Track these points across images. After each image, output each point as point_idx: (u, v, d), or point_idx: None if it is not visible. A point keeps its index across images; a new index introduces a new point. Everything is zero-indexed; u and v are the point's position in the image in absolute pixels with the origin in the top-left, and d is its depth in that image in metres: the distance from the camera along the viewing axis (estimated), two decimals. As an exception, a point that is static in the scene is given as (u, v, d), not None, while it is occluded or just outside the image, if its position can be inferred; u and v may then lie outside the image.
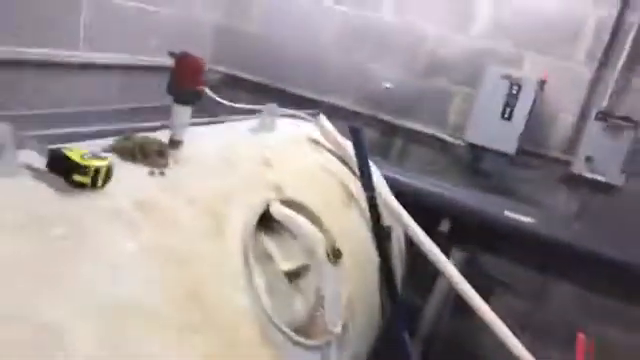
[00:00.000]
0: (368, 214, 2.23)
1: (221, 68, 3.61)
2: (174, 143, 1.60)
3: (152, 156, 1.47)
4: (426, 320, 3.13)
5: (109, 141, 1.48)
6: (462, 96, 3.24)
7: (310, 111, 2.83)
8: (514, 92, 2.95)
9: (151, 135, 1.57)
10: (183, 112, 1.63)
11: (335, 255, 1.62)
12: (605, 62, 2.92)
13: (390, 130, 3.36)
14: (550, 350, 2.83)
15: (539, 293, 3.23)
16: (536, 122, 3.03)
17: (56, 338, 0.85)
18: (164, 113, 1.83)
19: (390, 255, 2.29)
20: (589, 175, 2.91)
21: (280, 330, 1.34)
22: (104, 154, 1.25)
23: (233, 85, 3.48)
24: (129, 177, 1.31)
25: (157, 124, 1.88)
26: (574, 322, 3.13)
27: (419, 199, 2.81)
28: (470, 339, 3.41)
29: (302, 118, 2.65)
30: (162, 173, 1.41)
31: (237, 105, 2.50)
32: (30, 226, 0.98)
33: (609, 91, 2.90)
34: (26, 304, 0.86)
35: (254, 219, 1.48)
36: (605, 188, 2.93)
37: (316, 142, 2.46)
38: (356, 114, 3.33)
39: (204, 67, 1.62)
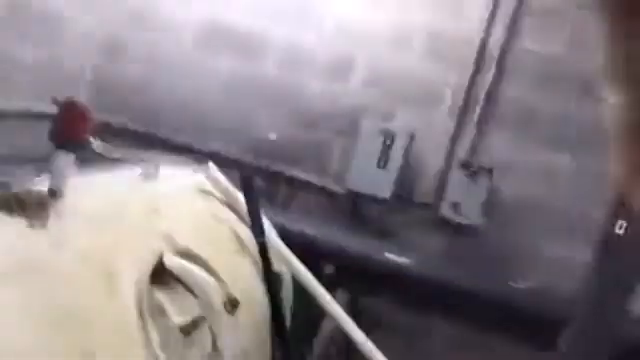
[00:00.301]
0: (259, 261, 2.24)
1: (99, 115, 3.44)
2: (54, 193, 1.50)
3: (31, 208, 1.36)
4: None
5: (-22, 193, 1.35)
6: (341, 146, 3.45)
7: (196, 160, 2.82)
8: (388, 143, 3.22)
9: (27, 185, 1.46)
10: (65, 161, 1.54)
11: (232, 305, 1.61)
12: (463, 118, 3.32)
13: (275, 178, 3.44)
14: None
15: (417, 331, 3.43)
16: (408, 170, 3.32)
17: None
18: (38, 162, 1.71)
19: (282, 302, 2.31)
20: (455, 218, 3.22)
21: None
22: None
23: (113, 133, 3.33)
24: (6, 232, 1.21)
25: (32, 173, 1.75)
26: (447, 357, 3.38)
27: (304, 245, 2.87)
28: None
29: (188, 167, 2.63)
30: (44, 226, 1.32)
31: (119, 156, 2.42)
32: None
33: (468, 143, 3.29)
34: None
35: (147, 273, 1.42)
36: (468, 229, 3.27)
37: (204, 190, 2.45)
38: (242, 163, 3.35)
39: (90, 115, 1.56)
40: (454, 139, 3.34)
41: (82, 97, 3.38)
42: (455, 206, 3.21)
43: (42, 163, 1.72)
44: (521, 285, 3.13)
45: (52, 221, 1.35)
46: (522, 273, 3.27)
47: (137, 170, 2.31)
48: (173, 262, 1.56)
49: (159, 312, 1.47)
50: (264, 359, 2.09)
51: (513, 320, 3.24)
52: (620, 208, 1.67)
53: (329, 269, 3.04)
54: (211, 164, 2.57)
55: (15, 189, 1.38)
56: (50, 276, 1.16)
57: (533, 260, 3.33)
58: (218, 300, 1.60)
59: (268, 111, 3.52)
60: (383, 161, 3.22)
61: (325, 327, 3.20)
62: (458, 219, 3.23)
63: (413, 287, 3.28)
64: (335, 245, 3.19)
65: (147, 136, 3.36)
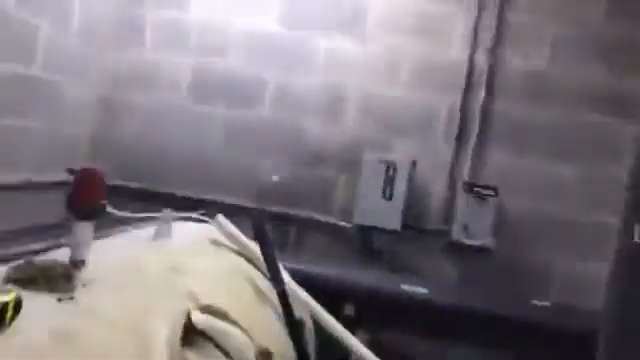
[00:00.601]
0: (279, 308, 2.21)
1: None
2: (77, 263, 1.49)
3: (57, 281, 1.35)
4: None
5: (1, 269, 1.34)
6: (345, 182, 3.47)
7: (204, 212, 2.82)
8: (390, 174, 3.24)
9: (48, 257, 1.45)
10: (85, 229, 1.53)
11: (265, 357, 1.58)
12: (461, 140, 3.37)
13: (282, 221, 3.43)
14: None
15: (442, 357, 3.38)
16: (414, 199, 3.33)
17: None
18: (52, 231, 1.70)
19: (306, 347, 2.27)
20: (466, 241, 3.22)
21: None
22: (5, 286, 1.14)
23: (118, 195, 3.32)
24: (37, 308, 1.19)
25: (48, 244, 1.74)
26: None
27: (320, 286, 2.83)
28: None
29: (199, 220, 2.62)
30: (72, 298, 1.30)
31: (133, 215, 2.41)
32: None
33: (469, 164, 3.33)
34: None
35: (178, 333, 1.40)
36: (480, 251, 3.26)
37: (217, 243, 2.43)
38: (250, 209, 3.35)
39: (104, 180, 1.57)
40: (455, 162, 3.38)
41: (82, 162, 3.39)
42: (465, 229, 3.21)
43: (57, 232, 1.72)
44: (543, 302, 3.09)
45: (79, 292, 1.33)
46: (539, 290, 3.25)
47: (149, 230, 2.32)
48: (201, 320, 1.53)
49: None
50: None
51: (538, 338, 3.20)
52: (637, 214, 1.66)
53: (349, 309, 3.00)
54: (220, 216, 2.57)
55: (39, 263, 1.36)
56: (85, 347, 1.14)
57: (549, 276, 3.31)
58: (251, 354, 1.57)
59: (268, 154, 3.54)
60: (388, 192, 3.23)
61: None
62: (469, 242, 3.22)
63: (432, 316, 3.24)
64: (351, 283, 3.16)
65: (152, 194, 3.36)
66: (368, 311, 3.13)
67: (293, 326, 2.19)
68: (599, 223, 3.19)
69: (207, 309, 1.63)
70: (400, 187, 3.23)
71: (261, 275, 2.36)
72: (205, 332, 1.56)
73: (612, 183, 3.18)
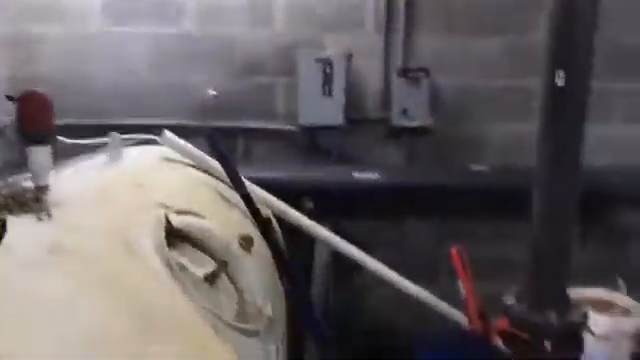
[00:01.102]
0: (246, 211, 2.30)
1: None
2: (41, 188, 1.49)
3: (29, 204, 1.36)
4: (316, 293, 3.32)
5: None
6: (284, 86, 3.48)
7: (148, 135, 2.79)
8: (328, 71, 3.28)
9: (16, 186, 1.44)
10: (43, 153, 1.52)
11: (248, 243, 1.68)
12: (389, 28, 3.43)
13: (227, 134, 3.44)
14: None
15: (399, 238, 3.66)
16: (353, 92, 3.42)
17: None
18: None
19: (279, 244, 2.40)
20: (406, 124, 3.38)
21: (226, 323, 1.37)
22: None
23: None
24: (21, 227, 1.21)
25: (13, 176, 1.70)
26: (435, 252, 3.64)
27: (277, 189, 2.93)
28: (357, 298, 3.72)
29: (147, 142, 2.60)
30: (49, 216, 1.32)
31: (81, 141, 2.36)
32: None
33: (400, 50, 3.42)
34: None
35: (161, 234, 1.47)
36: (421, 131, 3.45)
37: (172, 160, 2.45)
38: (190, 128, 3.32)
39: (52, 103, 1.53)
40: (387, 50, 3.45)
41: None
42: (403, 112, 3.35)
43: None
44: (480, 167, 3.37)
45: (54, 212, 1.35)
46: (477, 157, 3.52)
47: (100, 157, 2.29)
48: (181, 220, 1.60)
49: (181, 269, 1.53)
50: (279, 294, 2.19)
51: (480, 199, 3.52)
52: (558, 57, 1.78)
53: (308, 204, 3.15)
54: (167, 132, 2.56)
55: (5, 191, 1.36)
56: (81, 257, 1.19)
57: (484, 143, 3.58)
58: (234, 243, 1.67)
59: (201, 70, 3.46)
60: (328, 89, 3.28)
61: (318, 260, 3.36)
62: (409, 124, 3.38)
63: (385, 198, 3.47)
64: (305, 181, 3.29)
65: (87, 127, 3.22)
66: (325, 204, 3.30)
67: (263, 227, 2.30)
68: (524, 87, 3.44)
69: (182, 212, 1.70)
70: (339, 82, 3.29)
71: (221, 184, 2.43)
72: (185, 232, 1.64)
73: (532, 49, 3.40)
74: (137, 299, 1.15)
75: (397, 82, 3.37)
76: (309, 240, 3.31)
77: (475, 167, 3.38)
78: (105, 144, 2.26)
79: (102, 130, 2.93)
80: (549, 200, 1.93)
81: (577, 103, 1.76)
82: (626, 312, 3.05)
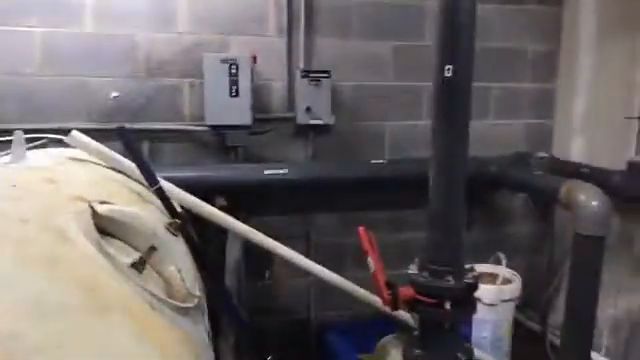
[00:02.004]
0: (160, 207, 2.32)
1: None
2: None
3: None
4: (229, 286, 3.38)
5: None
6: (190, 87, 3.51)
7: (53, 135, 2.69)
8: (234, 72, 3.37)
9: None
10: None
11: (175, 228, 1.73)
12: (290, 32, 3.61)
13: (135, 136, 3.38)
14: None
15: (307, 230, 3.84)
16: (259, 92, 3.54)
17: None
18: None
19: (195, 238, 2.44)
20: (310, 122, 3.57)
21: (161, 301, 1.43)
22: None
23: None
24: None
25: None
26: (341, 242, 3.87)
27: (189, 188, 2.96)
28: (269, 292, 3.84)
29: (53, 142, 2.50)
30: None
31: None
32: None
33: (302, 53, 3.60)
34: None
35: (90, 220, 1.48)
36: (324, 128, 3.66)
37: (79, 159, 2.40)
38: (93, 131, 3.23)
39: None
40: (290, 52, 3.61)
41: None
42: (307, 111, 3.54)
43: None
44: (379, 160, 3.65)
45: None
46: (376, 151, 3.81)
47: (2, 157, 2.19)
48: (107, 209, 1.62)
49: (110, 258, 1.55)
50: (198, 281, 2.24)
51: (381, 188, 3.81)
52: (447, 54, 2.06)
53: (220, 201, 3.20)
54: (75, 132, 2.50)
55: None
56: (14, 239, 1.19)
57: (381, 138, 3.88)
58: (161, 228, 1.71)
59: (101, 71, 3.38)
60: (234, 90, 3.37)
61: (230, 255, 3.42)
62: (313, 122, 3.58)
63: (295, 192, 3.63)
64: (216, 180, 3.35)
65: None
66: (237, 201, 3.38)
67: (176, 216, 2.33)
68: (414, 87, 3.81)
69: (103, 203, 1.71)
70: (244, 83, 3.39)
71: (133, 182, 2.42)
72: (109, 222, 1.66)
73: (418, 52, 3.78)
74: (76, 275, 1.17)
75: (300, 83, 3.55)
76: (220, 237, 3.38)
77: (374, 161, 3.65)
78: (5, 143, 2.17)
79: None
80: (443, 175, 2.16)
81: (463, 90, 2.03)
82: (507, 281, 3.48)
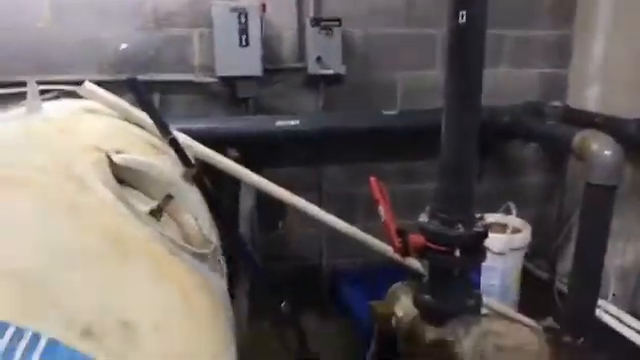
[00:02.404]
0: (174, 157, 2.35)
1: None
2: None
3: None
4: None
5: None
6: (199, 37, 3.47)
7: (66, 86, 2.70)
8: (243, 21, 3.31)
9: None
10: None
11: (190, 177, 1.76)
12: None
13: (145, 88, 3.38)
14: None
15: (318, 181, 3.87)
16: (269, 42, 3.49)
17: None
18: None
19: (209, 187, 2.48)
20: (321, 72, 3.53)
21: (179, 247, 1.48)
22: None
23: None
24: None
25: None
26: (352, 193, 3.91)
27: (201, 140, 2.97)
28: (281, 241, 3.92)
29: (65, 90, 2.52)
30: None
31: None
32: None
33: (312, 1, 3.52)
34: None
35: (107, 169, 1.51)
36: (335, 78, 3.63)
37: (94, 110, 2.42)
38: (105, 82, 3.23)
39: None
40: (299, 0, 3.53)
41: None
42: (318, 61, 3.49)
43: None
44: (391, 111, 3.63)
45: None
46: (387, 102, 3.78)
47: (17, 110, 2.21)
48: (122, 158, 1.65)
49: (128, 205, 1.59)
50: (213, 228, 2.30)
51: (393, 142, 3.81)
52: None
53: (232, 153, 3.23)
54: (87, 83, 2.51)
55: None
56: (37, 186, 1.22)
57: (393, 88, 3.84)
58: (177, 176, 1.75)
59: (109, 24, 3.34)
60: (244, 40, 3.33)
61: (243, 206, 3.48)
62: (323, 72, 3.54)
63: (306, 144, 3.65)
64: (228, 131, 3.36)
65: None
66: (249, 153, 3.41)
67: (191, 167, 2.36)
68: (427, 35, 3.73)
69: (118, 152, 1.74)
70: (254, 33, 3.33)
71: (146, 133, 2.44)
72: (125, 171, 1.69)
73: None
74: (97, 222, 1.22)
75: (311, 32, 3.48)
76: (234, 187, 3.43)
77: (386, 112, 3.63)
78: (20, 95, 2.18)
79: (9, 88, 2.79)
80: (456, 124, 2.15)
81: (477, 37, 1.99)
82: (516, 231, 3.52)
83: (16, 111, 2.18)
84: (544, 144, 4.04)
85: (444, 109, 2.17)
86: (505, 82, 3.97)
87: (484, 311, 2.46)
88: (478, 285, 3.21)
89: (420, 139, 3.58)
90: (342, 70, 3.57)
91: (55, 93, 3.00)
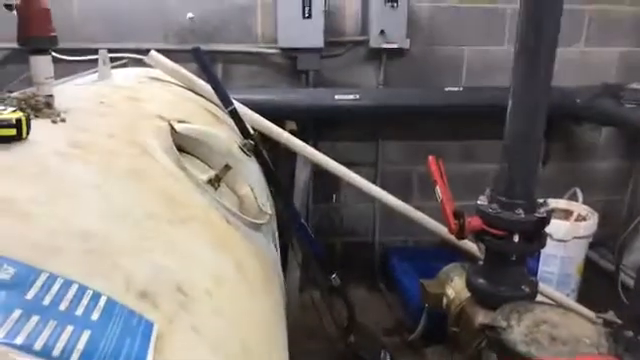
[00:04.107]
0: (233, 127, 2.39)
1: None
2: (47, 97, 1.54)
3: (42, 110, 1.42)
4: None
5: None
6: (262, 7, 3.47)
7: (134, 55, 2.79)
8: (306, -8, 3.28)
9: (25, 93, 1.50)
10: (45, 63, 1.56)
11: (248, 148, 1.79)
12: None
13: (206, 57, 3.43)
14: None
15: (376, 157, 3.83)
16: (332, 14, 3.44)
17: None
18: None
19: (267, 159, 2.51)
20: (384, 46, 3.46)
21: (235, 215, 1.51)
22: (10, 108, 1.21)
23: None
24: (39, 127, 1.29)
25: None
26: (409, 171, 3.85)
27: (260, 111, 3.00)
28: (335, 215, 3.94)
29: (133, 59, 2.61)
30: (63, 120, 1.39)
31: (70, 58, 2.36)
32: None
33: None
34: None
35: (169, 137, 1.56)
36: (398, 52, 3.54)
37: (159, 79, 2.50)
38: (170, 51, 3.31)
39: (49, 9, 1.55)
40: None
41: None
42: (381, 34, 3.41)
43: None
44: (455, 88, 3.50)
45: (66, 116, 1.42)
46: (451, 79, 3.65)
47: (89, 75, 2.32)
48: (184, 127, 1.69)
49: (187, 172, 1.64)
50: (268, 199, 2.33)
51: (455, 120, 3.70)
52: None
53: (290, 125, 3.25)
54: (153, 52, 2.59)
55: (18, 97, 1.42)
56: (97, 151, 1.28)
57: (458, 64, 3.70)
58: (235, 147, 1.78)
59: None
60: (307, 11, 3.30)
61: (299, 178, 3.51)
62: (386, 46, 3.46)
63: (365, 119, 3.61)
64: (287, 103, 3.38)
65: (69, 51, 3.18)
66: (307, 126, 3.42)
67: (250, 138, 2.40)
68: (497, 9, 3.55)
69: (181, 122, 1.79)
70: (317, 4, 3.29)
71: (208, 102, 2.50)
72: (185, 140, 1.74)
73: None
74: (158, 187, 1.26)
75: (375, 4, 3.40)
76: (290, 159, 3.47)
77: (449, 88, 3.51)
78: (92, 62, 2.29)
79: (82, 54, 2.92)
80: (523, 103, 2.06)
81: (552, 10, 1.88)
82: (582, 218, 3.35)
83: (90, 77, 2.30)
84: (619, 128, 3.80)
85: (511, 87, 2.07)
86: (581, 61, 3.73)
87: (540, 299, 2.38)
88: (536, 271, 3.11)
89: (484, 118, 3.46)
90: (405, 44, 3.48)
91: (125, 60, 3.12)
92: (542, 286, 2.57)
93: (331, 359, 3.06)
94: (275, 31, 3.39)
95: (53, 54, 2.14)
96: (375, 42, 3.45)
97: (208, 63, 2.33)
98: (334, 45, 3.51)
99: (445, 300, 2.67)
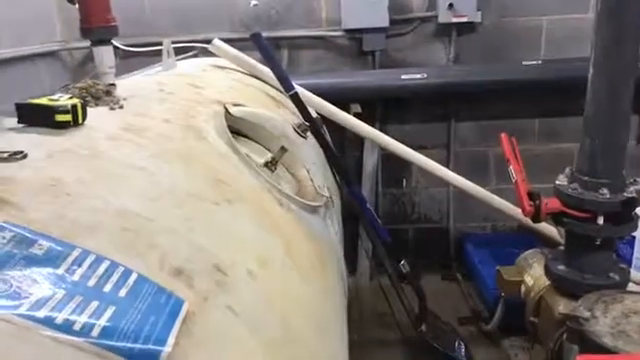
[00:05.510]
0: (297, 112, 2.36)
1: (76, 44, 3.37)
2: (109, 85, 1.59)
3: (101, 97, 1.47)
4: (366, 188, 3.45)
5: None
6: (325, -11, 3.42)
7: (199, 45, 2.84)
8: (370, -29, 3.18)
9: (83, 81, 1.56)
10: (107, 53, 1.62)
11: (303, 130, 1.76)
12: None
13: (271, 44, 3.44)
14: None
15: (447, 138, 3.66)
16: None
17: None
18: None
19: (327, 142, 2.47)
20: (454, 20, 3.28)
21: (289, 198, 1.48)
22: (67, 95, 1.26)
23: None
24: (96, 114, 1.33)
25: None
26: (484, 152, 3.65)
27: (323, 95, 2.95)
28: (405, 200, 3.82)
29: (197, 48, 2.67)
30: (121, 107, 1.43)
31: (135, 49, 2.45)
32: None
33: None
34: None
35: (223, 121, 1.56)
36: (469, 27, 3.34)
37: (222, 67, 2.53)
38: (235, 40, 3.35)
39: (109, 1, 1.60)
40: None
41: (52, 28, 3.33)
42: (450, 8, 3.24)
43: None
44: (533, 62, 3.26)
45: (125, 103, 1.46)
46: (528, 52, 3.39)
47: (154, 67, 2.40)
48: (239, 110, 1.69)
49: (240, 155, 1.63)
50: (333, 185, 2.29)
51: (533, 96, 3.45)
52: None
53: (355, 108, 3.18)
54: (216, 40, 2.62)
55: (80, 85, 1.47)
56: (152, 135, 1.29)
57: (535, 37, 3.43)
58: (290, 130, 1.75)
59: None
60: (371, -10, 3.20)
61: (366, 164, 3.45)
62: (456, 20, 3.28)
63: (434, 98, 3.45)
64: (352, 86, 3.31)
65: (135, 46, 3.31)
66: (373, 108, 3.33)
67: (312, 126, 2.36)
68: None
69: (238, 106, 1.79)
70: (382, -18, 3.19)
71: (269, 87, 2.49)
72: (241, 123, 1.74)
73: None
74: (207, 169, 1.26)
75: (443, -24, 3.23)
76: (358, 144, 3.40)
77: (527, 62, 3.27)
78: (158, 52, 2.36)
79: (151, 45, 3.02)
80: (606, 74, 1.86)
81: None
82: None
83: (155, 69, 2.38)
84: None
85: (592, 57, 1.88)
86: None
87: (632, 287, 2.16)
88: (627, 258, 2.83)
89: (567, 93, 3.18)
90: (477, 17, 3.28)
91: (195, 51, 3.20)
92: (635, 274, 2.33)
93: (403, 348, 2.99)
94: (339, 13, 3.33)
95: (125, 48, 2.24)
96: (444, 17, 3.28)
97: (268, 48, 2.31)
98: (400, 23, 3.38)
99: (523, 288, 2.50)
